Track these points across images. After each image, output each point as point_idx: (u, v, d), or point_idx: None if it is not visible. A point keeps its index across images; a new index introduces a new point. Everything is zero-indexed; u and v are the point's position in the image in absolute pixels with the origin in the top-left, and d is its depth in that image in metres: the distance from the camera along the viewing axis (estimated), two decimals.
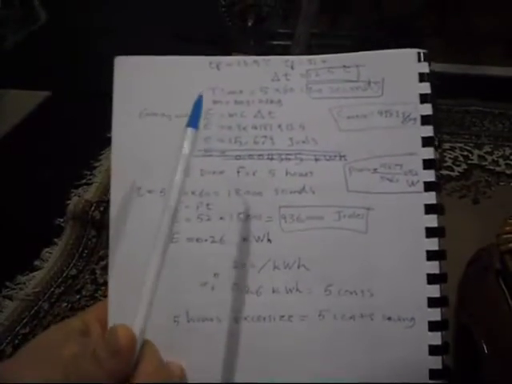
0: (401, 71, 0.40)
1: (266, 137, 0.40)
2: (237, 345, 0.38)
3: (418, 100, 0.40)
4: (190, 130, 0.37)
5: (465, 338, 0.58)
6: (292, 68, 0.40)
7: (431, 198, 0.39)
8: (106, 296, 0.40)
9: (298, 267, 0.38)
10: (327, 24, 1.50)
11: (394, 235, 0.38)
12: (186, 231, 0.39)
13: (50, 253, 0.97)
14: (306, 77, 0.40)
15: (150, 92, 0.41)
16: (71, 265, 0.95)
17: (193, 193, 0.39)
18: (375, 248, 0.38)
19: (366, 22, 1.47)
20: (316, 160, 0.39)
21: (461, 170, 1.12)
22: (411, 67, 0.40)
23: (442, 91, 1.34)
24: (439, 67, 1.45)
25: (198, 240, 0.39)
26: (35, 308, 0.88)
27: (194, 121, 0.37)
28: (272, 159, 0.39)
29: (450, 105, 1.30)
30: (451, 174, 1.11)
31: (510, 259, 0.54)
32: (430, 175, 0.39)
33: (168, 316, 0.39)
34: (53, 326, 0.40)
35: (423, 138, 0.40)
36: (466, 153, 1.16)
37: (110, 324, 0.38)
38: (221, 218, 0.39)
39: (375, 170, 0.39)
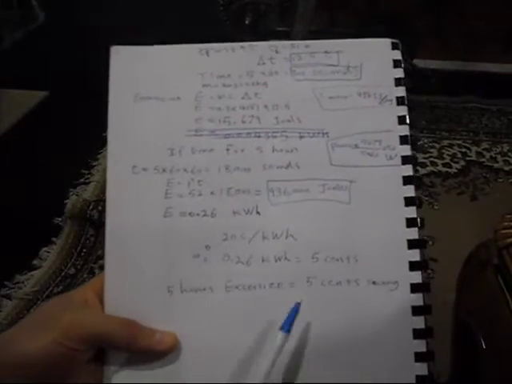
0: (377, 57, 0.43)
1: (253, 116, 0.42)
2: (229, 313, 0.39)
3: (393, 83, 0.42)
4: (280, 334, 0.36)
5: (463, 333, 0.59)
6: (276, 52, 0.43)
7: (408, 170, 0.41)
8: None
9: (286, 237, 0.40)
10: (324, 22, 1.50)
11: (376, 205, 0.40)
12: (179, 206, 0.40)
13: (49, 252, 0.98)
14: (290, 60, 0.43)
15: (143, 78, 0.43)
16: (69, 264, 0.96)
17: (185, 170, 0.41)
18: (358, 217, 0.40)
19: (363, 20, 1.47)
20: (300, 137, 0.41)
21: (459, 167, 1.12)
22: (386, 54, 0.43)
23: (440, 88, 1.33)
24: (437, 65, 1.45)
25: (190, 214, 0.40)
26: (34, 307, 0.88)
27: (286, 325, 0.36)
28: (259, 137, 0.41)
29: (448, 102, 1.31)
30: (449, 170, 1.12)
31: (508, 254, 0.54)
32: (406, 150, 0.41)
33: (162, 287, 0.40)
34: (52, 299, 0.42)
35: (399, 117, 0.42)
36: (464, 149, 1.17)
37: (106, 296, 0.39)
38: (212, 193, 0.41)
39: (356, 145, 0.41)
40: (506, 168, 1.10)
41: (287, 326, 0.36)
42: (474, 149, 1.16)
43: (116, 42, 0.43)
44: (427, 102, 1.28)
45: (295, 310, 0.37)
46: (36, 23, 1.80)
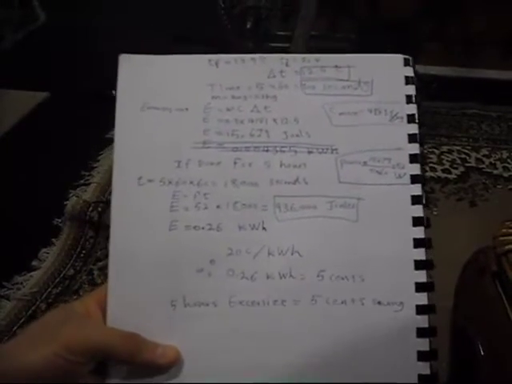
0: (389, 74, 0.42)
1: (261, 130, 0.41)
2: (232, 329, 0.39)
3: (404, 100, 0.42)
4: None
5: (461, 339, 0.59)
6: (287, 65, 0.42)
7: (417, 189, 0.40)
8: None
9: (292, 254, 0.40)
10: (326, 27, 1.50)
11: (383, 224, 0.40)
12: (184, 219, 0.40)
13: (48, 253, 0.98)
14: (300, 74, 0.42)
15: (151, 87, 0.42)
16: (69, 265, 0.96)
17: (191, 182, 0.41)
18: (365, 236, 0.40)
19: (365, 26, 1.47)
20: (309, 153, 0.41)
21: (458, 173, 1.13)
22: (398, 71, 0.42)
23: (440, 94, 1.34)
24: (437, 70, 1.45)
25: (195, 228, 0.40)
26: (32, 308, 0.88)
27: None
28: (267, 151, 0.41)
29: (447, 108, 1.31)
30: (449, 176, 1.12)
31: (507, 261, 0.54)
32: (415, 169, 0.41)
33: (165, 301, 0.39)
34: (54, 309, 0.41)
35: (409, 135, 0.41)
36: (463, 155, 1.17)
37: (109, 309, 0.39)
38: (218, 207, 0.40)
39: (365, 163, 0.41)
40: (506, 174, 1.10)
41: None
42: (474, 155, 1.16)
43: (117, 44, 0.43)
44: (427, 107, 1.29)
45: None
46: (37, 23, 1.80)
